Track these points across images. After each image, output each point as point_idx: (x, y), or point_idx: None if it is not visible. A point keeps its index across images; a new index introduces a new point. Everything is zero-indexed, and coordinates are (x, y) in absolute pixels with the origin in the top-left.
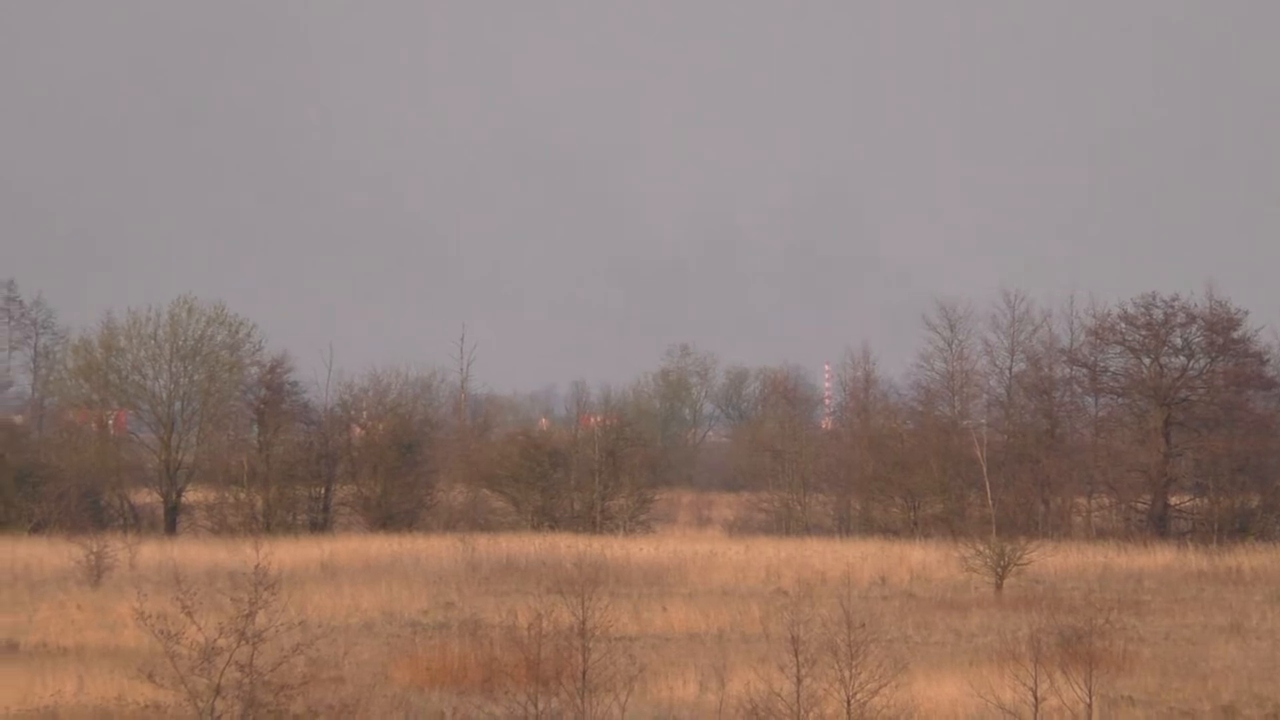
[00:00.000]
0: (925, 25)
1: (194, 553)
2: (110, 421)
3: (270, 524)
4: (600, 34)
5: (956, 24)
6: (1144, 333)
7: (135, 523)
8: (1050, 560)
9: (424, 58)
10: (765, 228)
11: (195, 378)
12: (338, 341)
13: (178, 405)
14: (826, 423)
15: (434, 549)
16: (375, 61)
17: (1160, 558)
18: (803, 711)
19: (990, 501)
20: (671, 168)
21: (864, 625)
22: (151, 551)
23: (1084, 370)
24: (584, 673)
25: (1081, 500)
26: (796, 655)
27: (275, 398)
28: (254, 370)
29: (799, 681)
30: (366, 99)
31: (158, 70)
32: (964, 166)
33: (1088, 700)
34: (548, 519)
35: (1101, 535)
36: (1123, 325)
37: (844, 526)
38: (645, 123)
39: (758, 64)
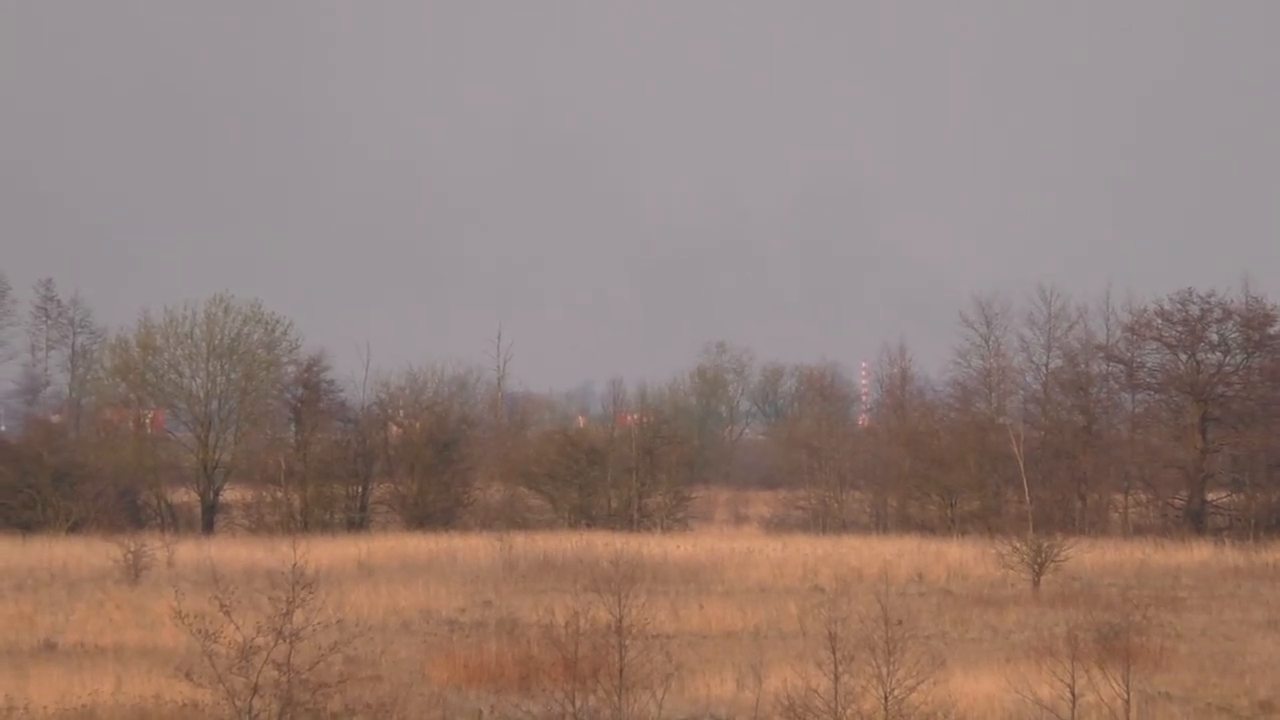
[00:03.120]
0: (950, 14)
1: (231, 552)
2: (147, 421)
3: (307, 523)
4: (614, 28)
5: (983, 13)
6: (1180, 329)
7: (172, 522)
8: (1087, 557)
9: (445, 54)
10: (785, 222)
11: (232, 376)
12: (375, 340)
13: (215, 404)
14: (863, 420)
15: (471, 547)
16: (401, 61)
17: (1197, 554)
18: (840, 708)
19: (1027, 498)
20: (690, 162)
21: (901, 622)
22: (189, 550)
23: (1120, 366)
24: (621, 671)
25: (1118, 496)
26: (834, 652)
27: (312, 396)
28: (291, 369)
29: (836, 678)
30: (394, 98)
31: (188, 67)
32: (992, 160)
33: (1125, 696)
34: (585, 517)
35: (1138, 531)
36: (1159, 321)
37: (881, 524)
38: (662, 117)
39: (772, 57)
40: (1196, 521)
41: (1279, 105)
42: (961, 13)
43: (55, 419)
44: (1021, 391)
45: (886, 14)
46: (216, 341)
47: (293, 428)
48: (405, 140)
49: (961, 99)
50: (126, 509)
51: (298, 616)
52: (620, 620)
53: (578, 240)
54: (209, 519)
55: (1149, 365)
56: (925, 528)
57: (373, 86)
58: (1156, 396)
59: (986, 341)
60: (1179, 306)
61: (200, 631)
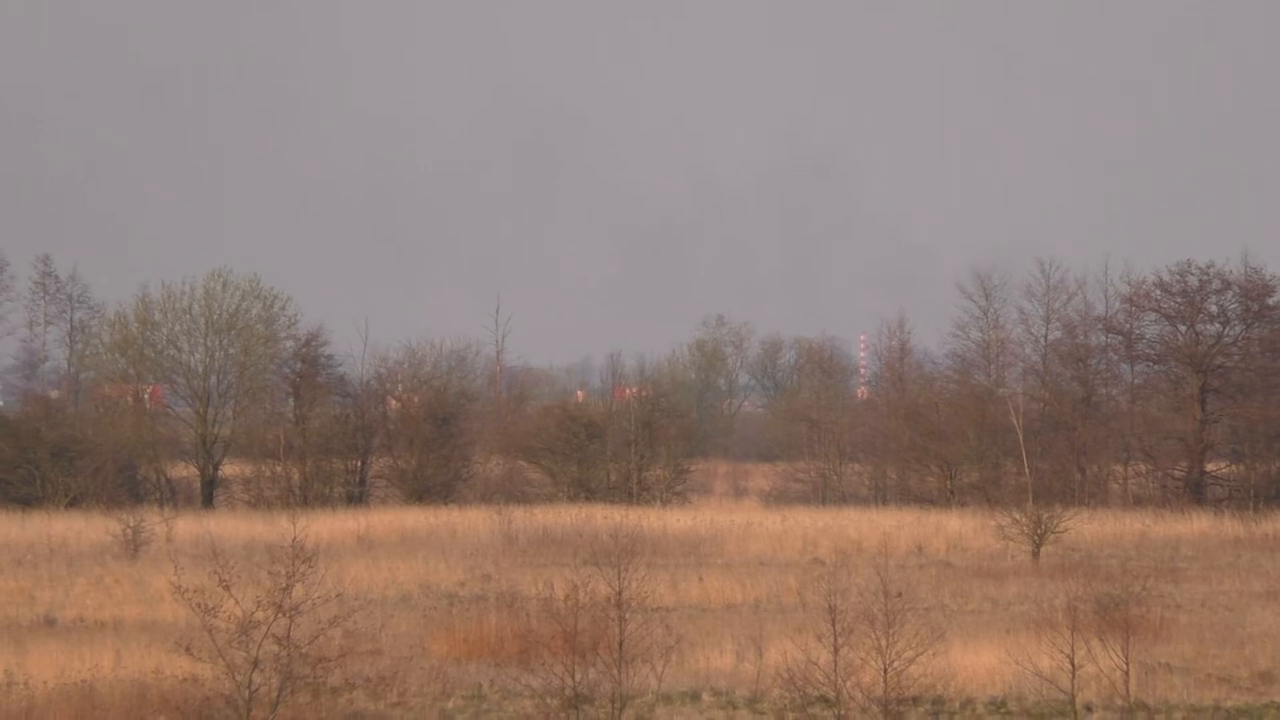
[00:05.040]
0: None
1: (231, 526)
2: (146, 396)
3: (307, 497)
4: (588, 8)
5: None
6: (1179, 300)
7: (172, 497)
8: (1087, 528)
9: (436, 36)
10: (772, 195)
11: (231, 351)
12: (373, 315)
13: (213, 379)
14: (862, 392)
15: (470, 521)
16: (396, 40)
17: (1197, 525)
18: (840, 680)
19: (1026, 470)
20: (675, 139)
21: (901, 594)
22: (188, 525)
23: (1119, 338)
24: (621, 644)
25: (1118, 468)
26: (834, 625)
27: (311, 371)
28: (289, 343)
29: (836, 651)
30: (388, 75)
31: (186, 50)
32: (984, 131)
33: (1125, 667)
34: (584, 490)
35: (1138, 503)
36: (1158, 292)
37: (880, 496)
38: (641, 94)
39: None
40: (1196, 492)
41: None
42: None
43: (54, 394)
44: (1020, 363)
45: None
46: (215, 316)
47: (291, 402)
48: (399, 119)
49: (953, 72)
50: (125, 484)
51: (297, 591)
52: (620, 593)
53: (573, 218)
54: (208, 494)
55: (1148, 336)
56: (925, 500)
57: (368, 64)
58: (1156, 368)
59: (985, 314)
60: (1178, 278)
61: (200, 606)
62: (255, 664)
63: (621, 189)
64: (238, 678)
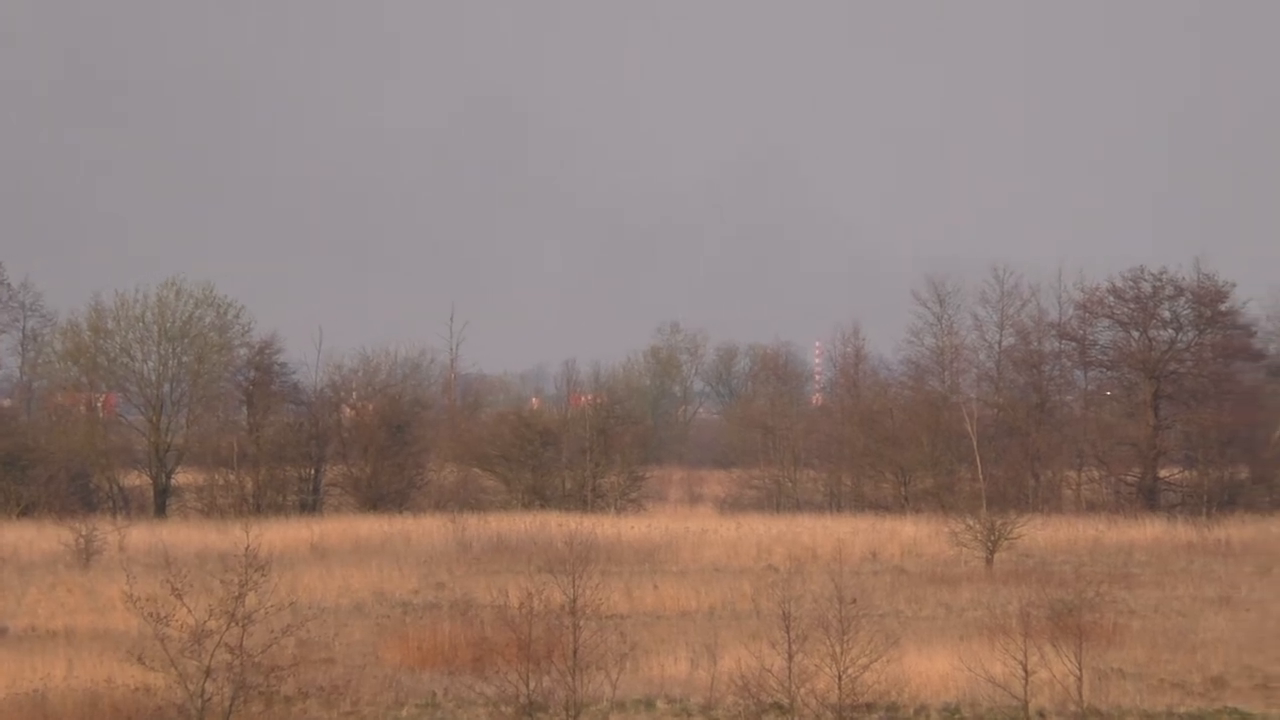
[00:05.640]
0: None
1: (184, 535)
2: (99, 404)
3: (260, 505)
4: (543, 12)
5: None
6: (1132, 306)
7: (124, 505)
8: (1040, 534)
9: (392, 39)
10: (726, 202)
11: (184, 359)
12: (327, 323)
13: (167, 387)
14: (817, 399)
15: (424, 529)
16: (347, 48)
17: (1150, 530)
18: (794, 687)
19: (980, 476)
20: (629, 142)
21: (855, 601)
22: (141, 534)
23: (1073, 344)
24: (575, 651)
25: (1071, 474)
26: (788, 631)
27: (264, 379)
28: (243, 351)
29: (790, 657)
30: (341, 82)
31: (138, 54)
32: (938, 136)
33: (1078, 673)
34: (539, 498)
35: (1091, 508)
36: (1111, 299)
37: (835, 502)
38: (596, 101)
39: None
40: (1149, 498)
41: (1232, 89)
42: None
43: (6, 403)
44: (975, 369)
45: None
46: (168, 325)
47: (245, 410)
48: (351, 125)
49: (907, 75)
50: (78, 493)
51: (250, 599)
52: (574, 601)
53: (527, 224)
54: (161, 502)
55: (1101, 343)
56: (879, 506)
57: (321, 70)
58: (1109, 374)
59: (940, 320)
60: (1131, 284)
61: (152, 615)
62: (208, 673)
63: (575, 196)
64: (190, 687)
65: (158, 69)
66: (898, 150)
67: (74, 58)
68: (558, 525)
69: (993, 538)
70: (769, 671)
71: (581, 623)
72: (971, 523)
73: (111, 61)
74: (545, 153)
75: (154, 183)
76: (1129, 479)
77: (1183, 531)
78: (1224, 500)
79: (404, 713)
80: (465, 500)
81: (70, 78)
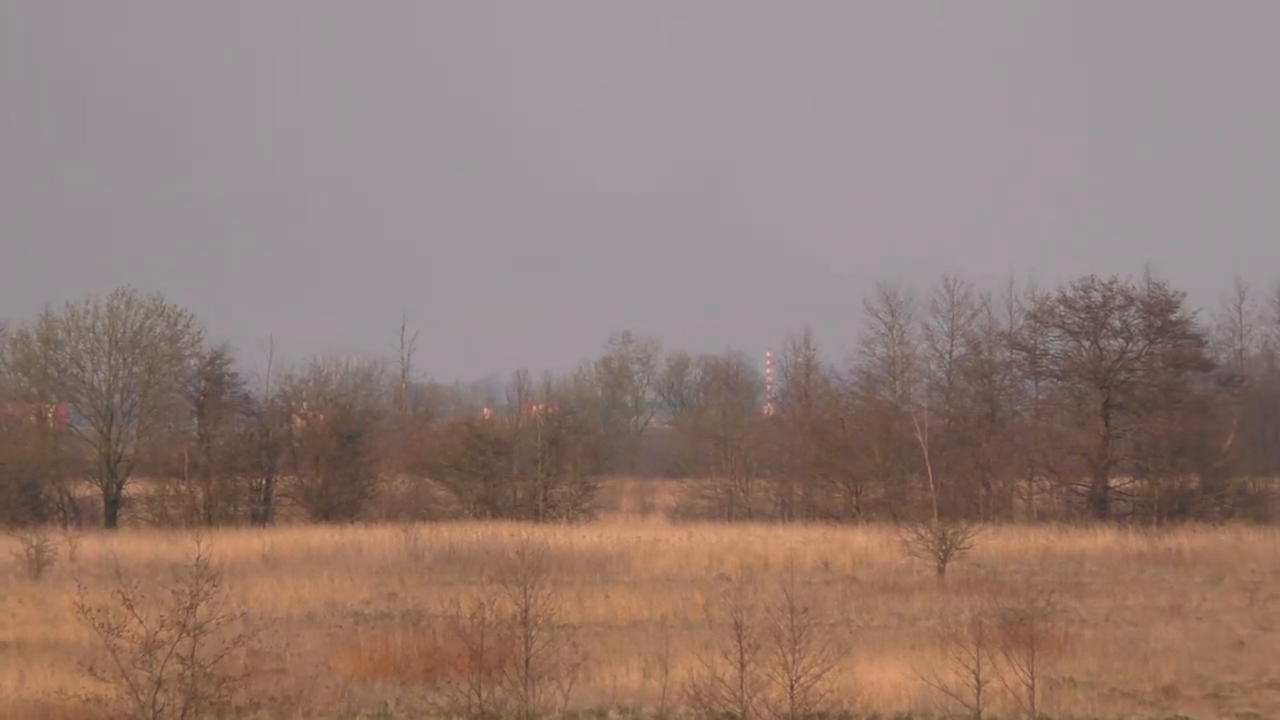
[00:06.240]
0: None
1: (135, 546)
2: (49, 415)
3: (211, 516)
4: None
5: None
6: (1083, 315)
7: (75, 516)
8: (991, 543)
9: (334, 49)
10: (669, 211)
11: (134, 370)
12: (278, 333)
13: (117, 398)
14: (768, 409)
15: (376, 539)
16: (294, 57)
17: (1101, 540)
18: (746, 697)
19: (932, 485)
20: (582, 153)
21: (807, 610)
22: (92, 545)
23: (1023, 354)
24: (527, 661)
25: (1022, 483)
26: (740, 641)
27: (215, 389)
28: (194, 362)
29: (743, 667)
30: (291, 89)
31: (85, 66)
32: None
33: (1030, 682)
34: (490, 508)
35: (1042, 518)
36: (1061, 308)
37: (786, 512)
38: (536, 112)
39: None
40: (1100, 507)
41: (1183, 92)
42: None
43: None
44: (926, 379)
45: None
46: (119, 335)
47: (196, 421)
48: (300, 136)
49: (856, 84)
50: (28, 503)
51: (201, 610)
52: (526, 611)
53: (479, 235)
54: (112, 513)
55: (1052, 352)
56: (831, 516)
57: (268, 80)
58: (1060, 383)
59: (891, 330)
60: (1081, 294)
61: (103, 626)
62: (159, 684)
63: (529, 207)
64: (141, 698)
65: (98, 72)
66: (850, 160)
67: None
68: (510, 535)
69: (944, 547)
70: (721, 681)
71: (534, 633)
72: (923, 532)
73: (51, 64)
74: (494, 161)
75: (102, 192)
76: (1080, 488)
77: (1133, 541)
78: (1175, 509)
79: None
80: (417, 510)
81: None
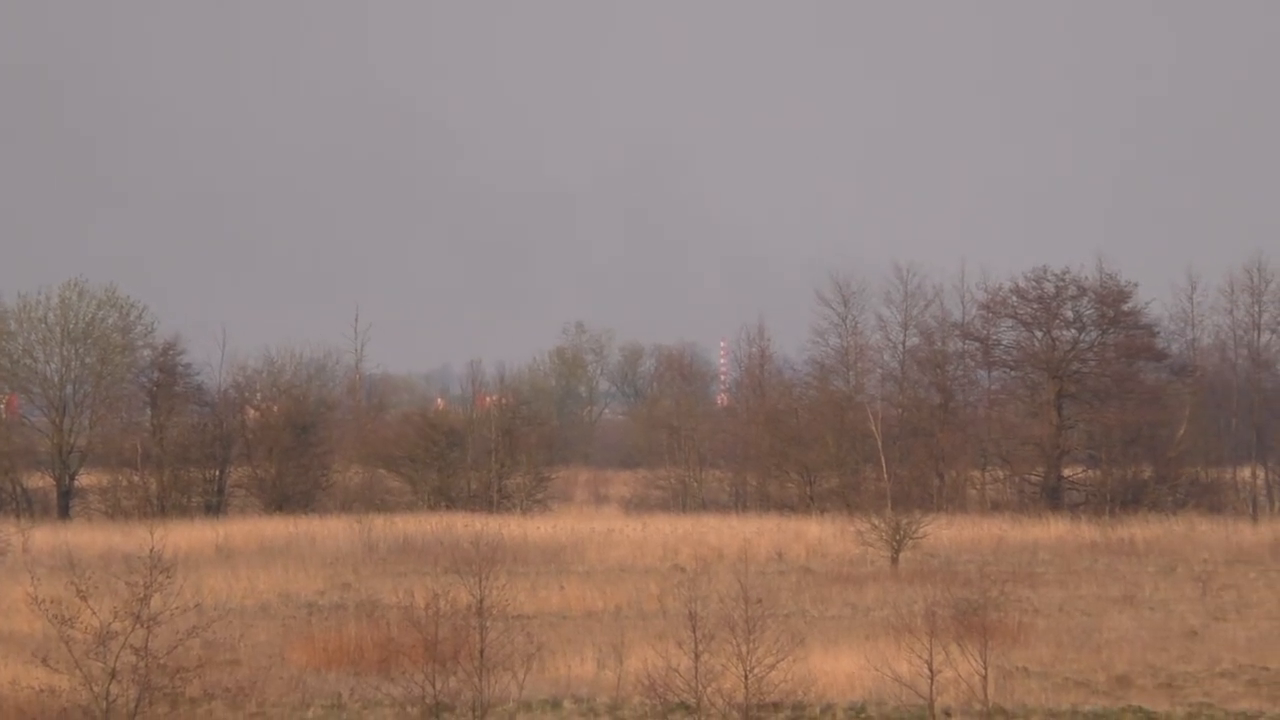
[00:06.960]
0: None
1: (88, 537)
2: (1, 406)
3: (164, 507)
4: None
5: None
6: (1035, 306)
7: (28, 507)
8: (945, 533)
9: (287, 40)
10: (615, 200)
11: (87, 361)
12: (231, 324)
13: (69, 388)
14: (722, 399)
15: (330, 530)
16: (243, 49)
17: (1054, 530)
18: (701, 687)
19: (886, 476)
20: (536, 142)
21: (761, 600)
22: (45, 536)
23: (976, 344)
24: (482, 652)
25: (976, 473)
26: (694, 631)
27: (168, 380)
28: (146, 353)
29: (697, 657)
30: (239, 81)
31: (39, 61)
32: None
33: (983, 672)
34: (444, 499)
35: (996, 508)
36: (1014, 299)
37: (740, 503)
38: (488, 97)
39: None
40: (1053, 497)
41: (1144, 90)
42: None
43: None
44: (879, 370)
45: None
46: (71, 326)
47: (149, 412)
48: (251, 125)
49: (810, 73)
50: None
51: (155, 601)
52: (481, 601)
53: (431, 225)
54: (65, 504)
55: (1005, 343)
56: (785, 506)
57: (226, 71)
58: (1013, 374)
59: (844, 320)
60: (1034, 284)
61: (57, 617)
62: (113, 675)
63: (481, 197)
64: (95, 689)
65: (40, 64)
66: (806, 151)
67: None
68: (464, 526)
69: (898, 537)
70: (675, 671)
71: (488, 623)
72: (877, 522)
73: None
74: (447, 152)
75: (53, 183)
76: (1033, 478)
77: (1087, 531)
78: (1127, 499)
79: (310, 714)
80: (371, 501)
81: None
